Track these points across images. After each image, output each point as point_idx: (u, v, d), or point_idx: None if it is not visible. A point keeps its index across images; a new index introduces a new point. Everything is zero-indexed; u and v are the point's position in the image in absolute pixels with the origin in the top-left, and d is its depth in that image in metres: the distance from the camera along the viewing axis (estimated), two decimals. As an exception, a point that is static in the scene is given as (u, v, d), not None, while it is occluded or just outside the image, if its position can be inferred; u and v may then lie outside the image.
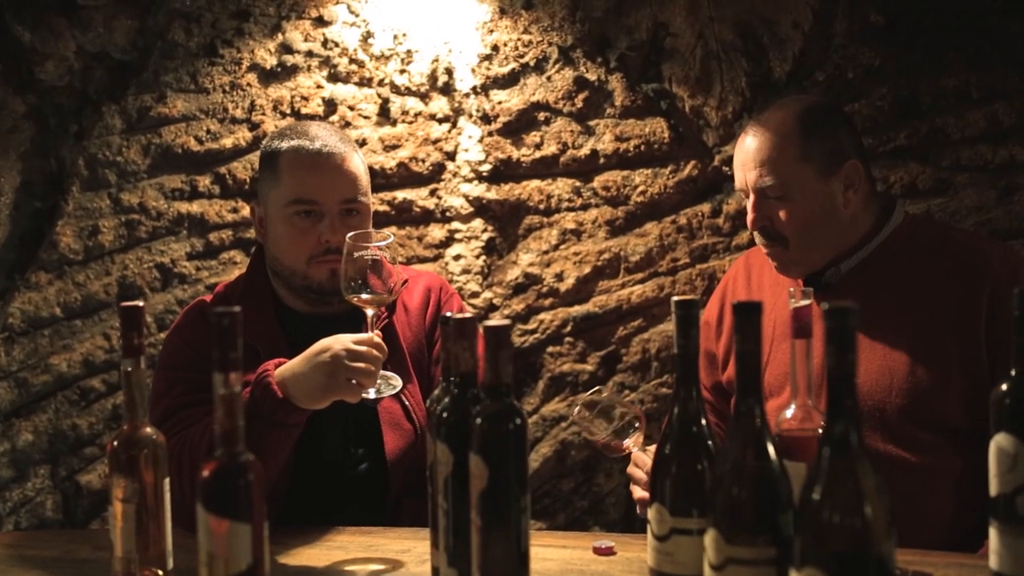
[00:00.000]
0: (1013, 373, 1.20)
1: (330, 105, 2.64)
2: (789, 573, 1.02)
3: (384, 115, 2.64)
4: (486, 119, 2.63)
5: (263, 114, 2.63)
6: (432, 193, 2.65)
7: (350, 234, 1.67)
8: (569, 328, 2.63)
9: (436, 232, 2.65)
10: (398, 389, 1.70)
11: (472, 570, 1.17)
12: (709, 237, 2.61)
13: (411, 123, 2.64)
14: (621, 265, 2.63)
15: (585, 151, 2.62)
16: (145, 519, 1.31)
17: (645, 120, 2.61)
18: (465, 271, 2.64)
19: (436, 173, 2.65)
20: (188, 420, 1.77)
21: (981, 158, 2.46)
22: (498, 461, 1.15)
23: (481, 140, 2.63)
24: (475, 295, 2.64)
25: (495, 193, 2.64)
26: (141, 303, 1.36)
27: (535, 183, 2.64)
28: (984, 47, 2.44)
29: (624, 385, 2.63)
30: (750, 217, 1.86)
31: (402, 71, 2.63)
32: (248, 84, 2.63)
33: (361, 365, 1.61)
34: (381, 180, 2.62)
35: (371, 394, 1.65)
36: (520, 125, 2.63)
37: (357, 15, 2.63)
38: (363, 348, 1.62)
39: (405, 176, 2.65)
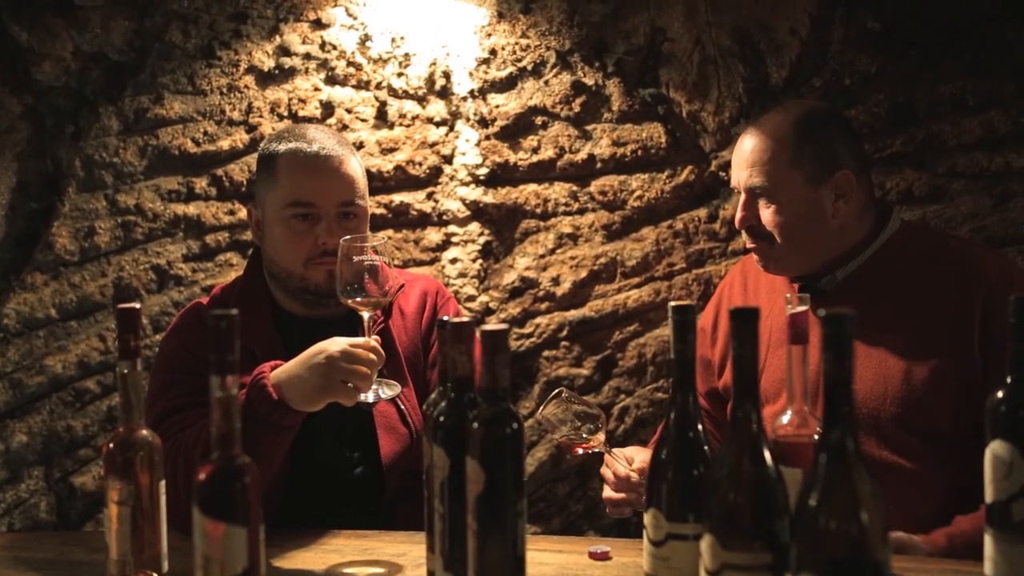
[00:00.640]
0: (1009, 380, 1.20)
1: (327, 108, 2.64)
2: (785, 579, 1.03)
3: (381, 118, 2.65)
4: (483, 123, 2.63)
5: (260, 116, 2.63)
6: (429, 196, 2.65)
7: (345, 237, 1.68)
8: (565, 332, 2.63)
9: (433, 235, 2.65)
10: (394, 395, 1.70)
11: (468, 574, 1.17)
12: (705, 242, 2.61)
13: (408, 126, 2.64)
14: (617, 269, 2.63)
15: (582, 155, 2.62)
16: (140, 521, 1.31)
17: (642, 125, 2.61)
18: (461, 275, 2.65)
19: (433, 176, 2.65)
20: (184, 422, 1.77)
21: (977, 165, 2.47)
22: (495, 465, 1.15)
23: (478, 144, 2.64)
24: (471, 299, 2.64)
25: (492, 197, 2.64)
26: (138, 305, 1.36)
27: (532, 187, 2.65)
28: (980, 55, 2.45)
29: (620, 389, 2.63)
30: (738, 215, 1.90)
31: (400, 74, 2.63)
32: (245, 86, 2.63)
33: (356, 368, 1.61)
34: (378, 183, 2.62)
35: (369, 397, 1.65)
36: (517, 129, 2.63)
37: (355, 18, 2.63)
38: (359, 351, 1.62)
39: (402, 179, 2.65)
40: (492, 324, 1.22)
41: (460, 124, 2.64)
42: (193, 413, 1.77)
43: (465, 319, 1.26)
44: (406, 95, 2.64)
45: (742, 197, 1.89)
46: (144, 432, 1.33)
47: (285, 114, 2.63)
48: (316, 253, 1.86)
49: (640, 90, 2.61)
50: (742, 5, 2.54)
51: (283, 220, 1.87)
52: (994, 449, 1.20)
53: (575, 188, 2.64)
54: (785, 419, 1.30)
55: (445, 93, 2.64)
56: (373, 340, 1.66)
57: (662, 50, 2.59)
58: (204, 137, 2.64)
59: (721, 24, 2.56)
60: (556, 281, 2.64)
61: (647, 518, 1.23)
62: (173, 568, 1.35)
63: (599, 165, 2.63)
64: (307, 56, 2.63)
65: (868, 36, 2.50)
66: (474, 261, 2.65)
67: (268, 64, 2.63)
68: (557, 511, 2.65)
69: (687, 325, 1.21)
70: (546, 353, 2.64)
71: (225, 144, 2.64)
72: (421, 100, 2.64)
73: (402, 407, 1.90)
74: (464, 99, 2.63)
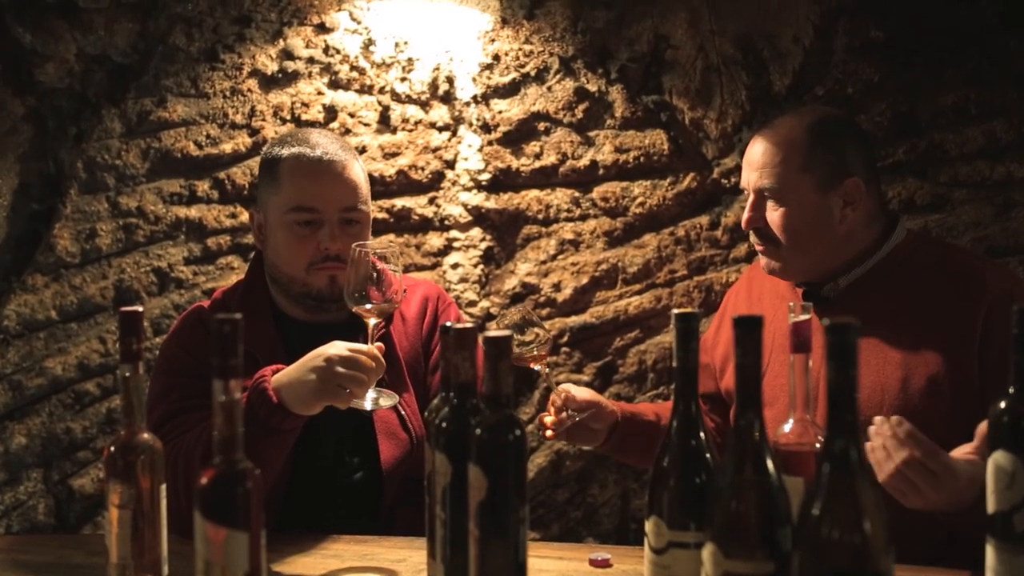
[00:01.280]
0: (1011, 391, 1.20)
1: (330, 112, 2.64)
2: (787, 588, 1.02)
3: (384, 123, 2.65)
4: (486, 128, 2.63)
5: (263, 120, 2.63)
6: (431, 201, 2.65)
7: (356, 243, 1.67)
8: (566, 338, 2.63)
9: (434, 240, 2.65)
10: (390, 405, 1.70)
11: (469, 581, 1.17)
12: (707, 249, 2.61)
13: (411, 131, 2.64)
14: (619, 276, 2.63)
15: (584, 162, 2.63)
16: (141, 525, 1.31)
17: (645, 132, 2.62)
18: (463, 280, 2.64)
19: (435, 181, 2.65)
20: (185, 425, 1.77)
21: (979, 174, 2.47)
22: (497, 472, 1.15)
23: (481, 149, 2.64)
24: (472, 304, 2.64)
25: (494, 202, 2.64)
26: (140, 309, 1.36)
27: (534, 193, 2.65)
28: (983, 64, 2.45)
29: (620, 396, 2.63)
30: (745, 216, 1.90)
31: (403, 79, 2.64)
32: (249, 90, 2.63)
33: (354, 373, 1.60)
34: (380, 188, 2.62)
35: (367, 405, 1.65)
36: (520, 135, 2.63)
37: (359, 22, 2.63)
38: (358, 356, 1.61)
39: (404, 184, 2.65)
40: (495, 331, 1.22)
41: (463, 129, 2.64)
42: (194, 416, 1.76)
43: (469, 325, 1.25)
44: (409, 100, 2.64)
45: (751, 198, 1.89)
46: (145, 436, 1.33)
47: (288, 118, 2.63)
48: (318, 258, 1.86)
49: (643, 97, 2.61)
50: (745, 13, 2.55)
51: (285, 224, 1.87)
52: (996, 460, 1.19)
53: (577, 194, 2.64)
54: (787, 428, 1.30)
55: (448, 98, 2.64)
56: (376, 348, 1.65)
57: (665, 57, 2.59)
58: (206, 140, 2.64)
59: (724, 32, 2.56)
60: (557, 287, 2.63)
61: (648, 526, 1.22)
62: (173, 572, 1.34)
63: (601, 171, 2.63)
64: (310, 60, 2.63)
65: (871, 45, 2.50)
66: (475, 266, 2.65)
67: (271, 68, 2.63)
68: (556, 517, 2.64)
69: (690, 333, 1.21)
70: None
71: (227, 147, 2.64)
72: (424, 105, 2.64)
73: (402, 412, 1.89)
74: (467, 104, 2.64)
